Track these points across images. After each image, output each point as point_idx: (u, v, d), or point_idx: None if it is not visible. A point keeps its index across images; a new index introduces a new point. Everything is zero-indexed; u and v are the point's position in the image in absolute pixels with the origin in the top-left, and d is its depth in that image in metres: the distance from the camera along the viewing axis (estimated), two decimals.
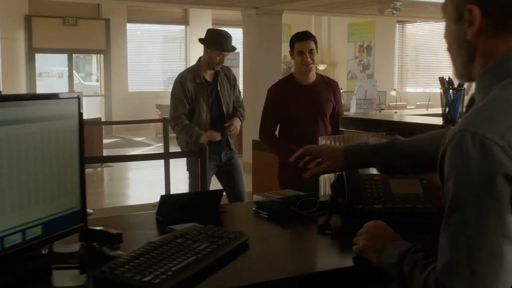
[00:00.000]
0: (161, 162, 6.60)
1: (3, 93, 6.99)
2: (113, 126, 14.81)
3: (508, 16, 1.21)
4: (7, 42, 13.55)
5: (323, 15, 14.58)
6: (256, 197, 2.10)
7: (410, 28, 14.81)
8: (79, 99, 1.61)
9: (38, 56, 14.19)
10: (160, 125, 13.09)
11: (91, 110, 13.77)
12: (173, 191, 6.53)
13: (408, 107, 11.92)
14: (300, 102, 3.75)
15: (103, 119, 13.02)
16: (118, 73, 14.91)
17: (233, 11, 11.72)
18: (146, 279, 1.26)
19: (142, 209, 5.97)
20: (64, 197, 1.55)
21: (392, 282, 1.35)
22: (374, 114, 6.37)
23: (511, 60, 1.21)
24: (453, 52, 1.33)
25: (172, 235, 1.55)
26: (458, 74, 1.34)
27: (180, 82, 4.25)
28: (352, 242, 1.56)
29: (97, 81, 15.73)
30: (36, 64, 14.16)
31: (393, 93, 11.46)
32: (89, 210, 2.31)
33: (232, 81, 4.47)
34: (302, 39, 3.73)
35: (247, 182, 4.78)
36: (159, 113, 13.92)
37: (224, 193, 2.11)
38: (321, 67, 15.69)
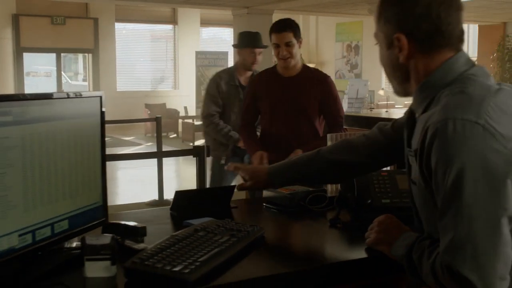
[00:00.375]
0: (150, 162, 6.56)
1: None
2: None
3: (431, 38, 1.36)
4: None
5: (314, 14, 14.65)
6: (266, 193, 2.16)
7: None
8: (100, 98, 1.67)
9: (26, 55, 14.13)
10: (149, 124, 13.10)
11: None
12: (166, 190, 6.57)
13: (396, 106, 12.04)
14: (277, 96, 3.38)
15: None
16: (106, 72, 14.88)
17: (222, 10, 11.76)
18: (176, 269, 1.31)
19: (136, 207, 5.97)
20: (88, 193, 1.61)
21: (404, 272, 1.42)
22: (375, 112, 6.45)
23: (446, 69, 1.36)
24: (389, 74, 1.48)
25: (193, 228, 1.61)
26: (396, 92, 1.50)
27: (215, 81, 4.25)
28: (365, 236, 1.62)
29: (84, 80, 15.67)
30: (24, 63, 14.09)
31: (381, 92, 11.56)
32: None
33: None
34: (278, 30, 3.31)
35: None
36: (149, 112, 13.91)
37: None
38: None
